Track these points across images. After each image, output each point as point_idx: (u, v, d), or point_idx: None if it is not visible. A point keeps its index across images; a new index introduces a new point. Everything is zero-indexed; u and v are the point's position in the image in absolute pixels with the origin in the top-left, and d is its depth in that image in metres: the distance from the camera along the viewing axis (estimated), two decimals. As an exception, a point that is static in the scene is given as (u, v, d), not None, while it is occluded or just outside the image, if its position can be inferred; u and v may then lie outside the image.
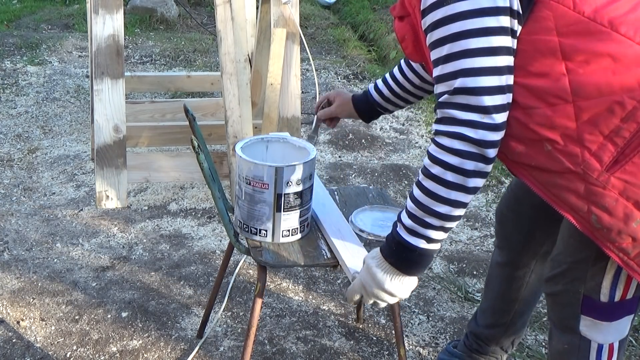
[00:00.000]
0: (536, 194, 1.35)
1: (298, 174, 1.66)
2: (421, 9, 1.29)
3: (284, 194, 1.66)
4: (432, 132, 1.30)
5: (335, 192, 2.01)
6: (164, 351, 2.15)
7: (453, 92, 1.23)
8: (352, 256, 1.63)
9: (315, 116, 2.03)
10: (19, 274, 2.51)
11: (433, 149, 1.28)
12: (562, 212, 1.31)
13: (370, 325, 2.32)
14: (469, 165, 1.24)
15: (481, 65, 1.21)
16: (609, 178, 1.23)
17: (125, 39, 4.26)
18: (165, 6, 5.93)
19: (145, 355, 2.13)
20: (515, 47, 1.24)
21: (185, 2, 6.43)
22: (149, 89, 3.90)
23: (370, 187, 2.10)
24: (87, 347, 2.16)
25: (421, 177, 1.30)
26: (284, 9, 2.99)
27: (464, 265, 2.67)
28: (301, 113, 3.23)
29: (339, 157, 3.61)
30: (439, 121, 1.27)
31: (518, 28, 1.23)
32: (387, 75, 1.84)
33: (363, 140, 3.78)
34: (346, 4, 6.69)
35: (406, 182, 3.34)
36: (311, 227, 1.80)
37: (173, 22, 5.94)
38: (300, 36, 3.07)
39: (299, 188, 1.68)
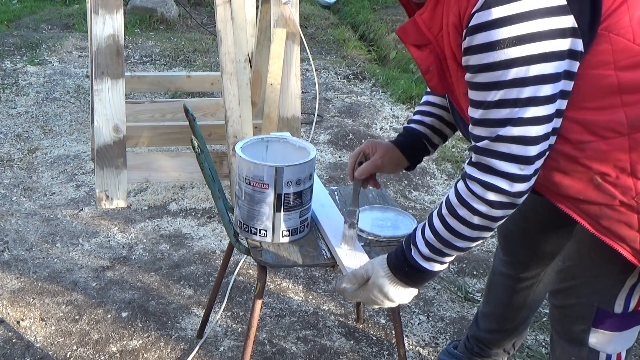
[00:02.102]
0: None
1: (298, 174, 1.66)
2: (464, 46, 1.19)
3: (284, 194, 1.66)
4: (464, 174, 1.25)
5: (335, 192, 2.01)
6: (164, 351, 2.15)
7: (496, 139, 1.18)
8: (350, 256, 1.64)
9: (354, 181, 1.68)
10: (19, 274, 2.51)
11: (464, 191, 1.25)
12: (612, 244, 1.28)
13: (370, 325, 2.32)
14: (499, 213, 1.24)
15: (533, 115, 1.15)
16: None
17: (125, 39, 4.26)
18: (165, 6, 5.93)
19: (145, 355, 2.13)
20: (570, 89, 1.19)
21: (185, 2, 6.43)
22: (149, 89, 3.90)
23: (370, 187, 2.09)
24: (87, 347, 2.16)
25: (445, 212, 1.29)
26: (284, 9, 2.99)
27: (464, 265, 2.67)
28: (301, 113, 3.23)
29: (339, 157, 3.61)
30: (474, 165, 1.23)
31: (576, 68, 1.18)
32: (422, 107, 1.66)
33: (363, 140, 3.78)
34: (346, 4, 6.69)
35: (406, 182, 3.34)
36: (311, 227, 1.80)
37: (173, 22, 5.94)
38: (300, 36, 3.07)
39: (299, 188, 1.68)
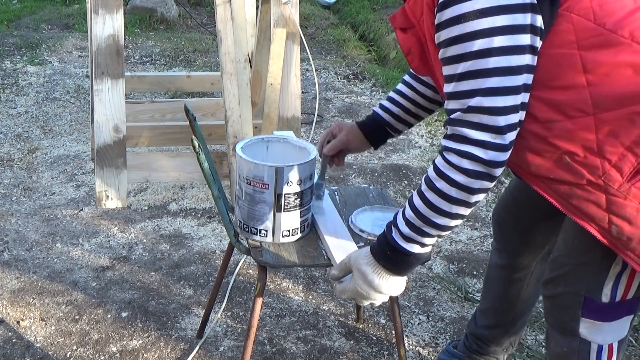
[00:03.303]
0: (536, 197, 1.36)
1: (298, 174, 1.66)
2: (435, 23, 1.26)
3: (284, 194, 1.66)
4: (441, 147, 1.29)
5: (335, 192, 2.01)
6: (164, 351, 2.15)
7: (467, 110, 1.22)
8: (340, 249, 1.65)
9: (322, 157, 1.84)
10: (19, 274, 2.51)
11: (441, 163, 1.27)
12: (582, 223, 1.30)
13: (370, 325, 2.32)
14: (476, 184, 1.25)
15: (499, 85, 1.19)
16: (630, 188, 1.23)
17: (125, 39, 4.26)
18: (165, 6, 5.93)
19: (145, 355, 2.13)
20: (535, 64, 1.23)
21: (185, 2, 6.43)
22: (149, 89, 3.90)
23: (370, 187, 2.10)
24: (87, 347, 2.16)
25: (424, 187, 1.30)
26: (284, 9, 2.99)
27: (464, 265, 2.67)
28: (301, 113, 3.23)
29: (339, 157, 3.61)
30: (449, 137, 1.26)
31: (539, 44, 1.22)
32: (393, 94, 1.76)
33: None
34: (346, 4, 6.69)
35: (406, 182, 3.34)
36: (311, 227, 1.80)
37: (173, 22, 5.94)
38: (300, 36, 3.07)
39: (299, 188, 1.68)
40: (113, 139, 2.87)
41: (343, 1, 6.79)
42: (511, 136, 1.23)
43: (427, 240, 1.34)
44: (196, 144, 1.60)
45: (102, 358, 2.11)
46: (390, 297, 1.77)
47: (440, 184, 1.27)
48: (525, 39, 1.19)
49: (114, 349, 2.15)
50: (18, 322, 2.26)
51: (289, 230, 1.72)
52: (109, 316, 2.30)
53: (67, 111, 4.05)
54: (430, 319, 2.37)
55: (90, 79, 3.42)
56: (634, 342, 2.25)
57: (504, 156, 1.23)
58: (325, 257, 1.69)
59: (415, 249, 1.35)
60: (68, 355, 2.12)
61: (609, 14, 1.20)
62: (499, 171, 1.25)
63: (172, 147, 3.46)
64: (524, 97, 1.22)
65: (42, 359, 2.10)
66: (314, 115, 3.68)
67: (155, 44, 5.39)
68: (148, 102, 3.67)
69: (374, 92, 4.56)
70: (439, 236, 1.33)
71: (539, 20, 1.20)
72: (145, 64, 4.99)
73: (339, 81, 4.77)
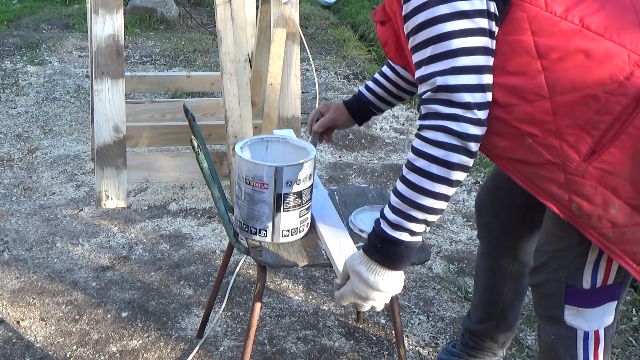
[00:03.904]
0: (516, 183, 1.40)
1: (298, 174, 1.66)
2: (403, 14, 1.34)
3: (284, 194, 1.66)
4: (417, 128, 1.33)
5: (335, 192, 2.01)
6: (164, 351, 2.15)
7: (436, 90, 1.27)
8: (341, 252, 1.64)
9: (312, 134, 1.98)
10: (19, 274, 2.51)
11: (417, 142, 1.31)
12: (545, 202, 1.36)
13: (370, 325, 2.32)
14: (454, 158, 1.27)
15: (461, 64, 1.26)
16: (587, 168, 1.28)
17: (125, 39, 4.26)
18: (165, 6, 5.93)
19: (145, 355, 2.13)
20: (494, 47, 1.29)
21: (185, 2, 6.43)
22: (149, 89, 3.90)
23: (370, 187, 2.10)
24: (87, 347, 2.16)
25: (405, 171, 1.33)
26: (284, 9, 2.99)
27: (464, 265, 2.67)
28: (301, 113, 3.23)
29: (339, 157, 3.61)
30: (424, 117, 1.30)
31: (495, 29, 1.29)
32: (378, 75, 1.85)
33: (363, 140, 3.78)
34: (346, 4, 6.68)
35: (406, 182, 3.33)
36: (311, 227, 1.80)
37: (173, 22, 5.94)
38: (300, 36, 3.07)
39: (299, 188, 1.68)
40: (113, 139, 2.87)
41: (343, 1, 6.78)
42: (482, 114, 1.27)
43: (414, 227, 1.33)
44: (195, 144, 1.60)
45: (102, 358, 2.11)
46: (390, 297, 1.77)
47: (420, 162, 1.29)
48: (483, 23, 1.27)
49: (114, 349, 2.15)
50: (18, 322, 2.26)
51: (288, 230, 1.72)
52: (109, 316, 2.30)
53: (67, 111, 4.05)
54: (430, 319, 2.37)
55: (90, 79, 3.42)
56: (634, 342, 2.26)
57: (477, 130, 1.27)
58: (325, 257, 1.69)
59: (404, 236, 1.34)
60: (68, 355, 2.12)
61: (559, 2, 1.27)
62: (474, 146, 1.28)
63: (172, 147, 3.46)
64: (488, 79, 1.28)
65: (42, 359, 2.11)
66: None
67: (155, 44, 5.39)
68: (148, 102, 3.67)
69: (374, 92, 4.56)
70: (427, 223, 1.33)
71: (492, 7, 1.28)
72: (145, 64, 4.99)
73: (339, 81, 4.77)
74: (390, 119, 4.08)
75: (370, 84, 1.87)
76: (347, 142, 3.75)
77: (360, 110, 1.91)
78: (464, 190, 3.27)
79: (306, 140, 1.84)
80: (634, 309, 2.42)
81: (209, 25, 5.92)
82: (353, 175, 3.40)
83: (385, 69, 1.84)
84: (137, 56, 5.11)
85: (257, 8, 3.43)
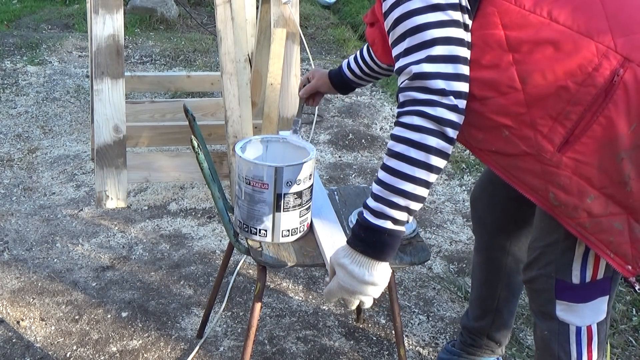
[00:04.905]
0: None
1: (298, 174, 1.66)
2: (382, 12, 1.38)
3: (284, 194, 1.66)
4: (395, 117, 1.34)
5: (335, 192, 2.01)
6: (164, 351, 2.15)
7: (412, 78, 1.29)
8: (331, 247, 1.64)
9: (300, 98, 2.11)
10: (19, 274, 2.51)
11: (396, 129, 1.32)
12: (524, 193, 1.38)
13: (370, 325, 2.32)
14: (431, 141, 1.28)
15: (437, 53, 1.28)
16: (561, 158, 1.31)
17: (125, 39, 4.26)
18: (165, 6, 5.93)
19: (145, 355, 2.13)
20: (470, 40, 1.32)
21: (185, 2, 6.43)
22: (149, 89, 3.90)
23: (370, 187, 2.09)
24: (87, 347, 2.16)
25: (385, 159, 1.34)
26: (284, 9, 2.99)
27: (464, 265, 2.67)
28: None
29: (339, 157, 3.61)
30: (401, 105, 1.32)
31: (469, 22, 1.32)
32: (358, 55, 1.90)
33: (363, 140, 3.78)
34: (346, 4, 6.68)
35: (406, 182, 3.33)
36: (311, 227, 1.80)
37: (173, 22, 5.94)
38: (300, 36, 3.07)
39: (299, 188, 1.68)
40: (113, 139, 2.87)
41: (343, 1, 6.78)
42: (458, 102, 1.28)
43: (397, 214, 1.32)
44: (195, 144, 1.60)
45: (102, 358, 2.11)
46: (391, 297, 1.78)
47: (399, 147, 1.30)
48: (456, 15, 1.30)
49: (114, 349, 2.15)
50: (18, 322, 2.26)
51: (288, 230, 1.72)
52: (109, 316, 2.30)
53: (67, 111, 4.05)
54: (430, 319, 2.37)
55: (90, 79, 3.42)
56: (634, 342, 2.26)
57: (453, 116, 1.28)
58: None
59: (387, 224, 1.33)
60: (68, 355, 2.12)
61: None
62: (451, 132, 1.29)
63: (172, 147, 3.46)
64: (464, 69, 1.30)
65: (42, 359, 2.11)
66: (314, 115, 3.69)
67: (155, 44, 5.39)
68: (148, 102, 3.67)
69: (374, 92, 4.56)
70: (409, 211, 1.32)
71: (464, 1, 1.32)
72: (145, 64, 4.99)
73: (339, 81, 4.77)
74: (390, 119, 4.08)
75: (352, 62, 1.92)
76: (347, 142, 3.75)
77: (341, 84, 1.97)
78: (463, 190, 3.27)
79: (306, 140, 1.84)
80: (634, 309, 2.42)
81: (209, 25, 5.92)
82: (353, 175, 3.40)
83: (364, 51, 1.88)
84: (137, 56, 5.11)
85: (257, 8, 3.43)
